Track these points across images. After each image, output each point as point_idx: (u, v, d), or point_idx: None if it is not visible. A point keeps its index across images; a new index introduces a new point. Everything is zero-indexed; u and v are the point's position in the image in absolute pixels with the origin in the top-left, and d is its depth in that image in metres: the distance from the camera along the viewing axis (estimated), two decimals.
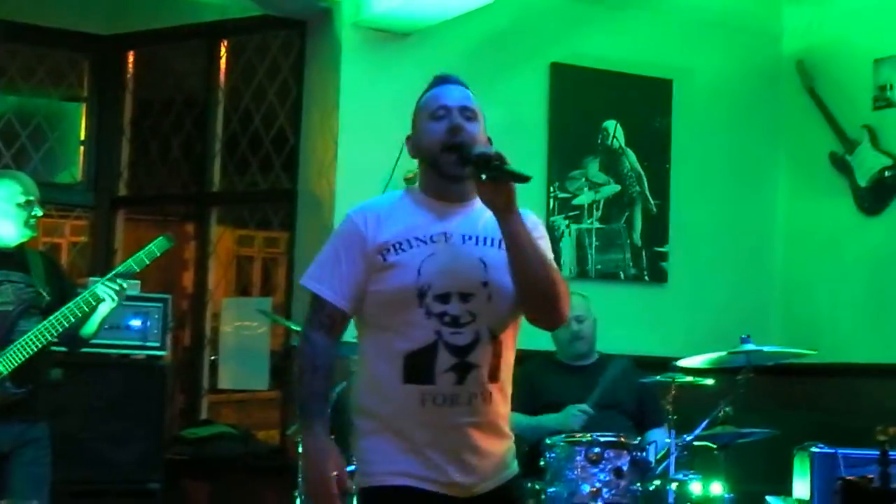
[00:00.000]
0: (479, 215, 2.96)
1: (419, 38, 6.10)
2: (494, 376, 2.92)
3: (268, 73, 6.59)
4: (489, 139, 3.02)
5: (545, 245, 2.96)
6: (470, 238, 2.94)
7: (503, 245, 2.89)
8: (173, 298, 6.21)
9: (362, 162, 5.87)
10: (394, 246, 2.92)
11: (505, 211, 2.83)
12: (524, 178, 2.80)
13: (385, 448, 2.91)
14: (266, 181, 6.69)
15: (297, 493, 5.14)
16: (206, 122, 6.73)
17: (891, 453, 3.06)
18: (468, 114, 2.97)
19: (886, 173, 6.32)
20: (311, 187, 6.24)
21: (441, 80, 3.06)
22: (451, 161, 2.92)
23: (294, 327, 5.34)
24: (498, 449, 2.97)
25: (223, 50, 6.76)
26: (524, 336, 5.71)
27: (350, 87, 6.07)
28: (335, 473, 2.85)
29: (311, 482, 2.89)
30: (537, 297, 2.87)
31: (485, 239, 2.94)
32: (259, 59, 6.63)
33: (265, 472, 6.16)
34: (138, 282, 5.57)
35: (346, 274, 2.94)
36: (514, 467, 3.03)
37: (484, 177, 2.81)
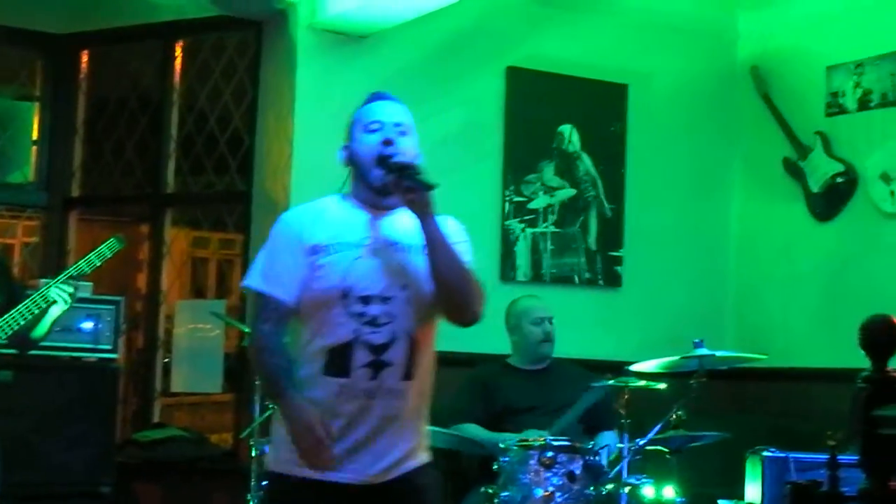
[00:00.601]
0: (404, 223, 3.19)
1: (375, 41, 6.09)
2: (409, 374, 3.14)
3: (223, 74, 6.56)
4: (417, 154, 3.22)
5: (464, 249, 3.21)
6: (393, 244, 3.17)
7: (422, 251, 3.14)
8: (127, 300, 6.17)
9: (317, 164, 5.82)
10: (324, 248, 3.13)
11: (422, 215, 3.09)
12: (430, 187, 3.07)
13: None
14: (221, 182, 6.66)
15: (249, 497, 5.11)
16: (160, 123, 6.68)
17: (840, 457, 3.07)
18: (401, 128, 3.19)
19: (838, 179, 6.37)
20: (266, 189, 6.21)
21: (376, 97, 3.28)
22: (380, 175, 3.15)
23: (247, 330, 5.31)
24: (408, 442, 3.18)
25: (178, 50, 6.71)
26: (476, 339, 5.73)
27: (306, 89, 6.05)
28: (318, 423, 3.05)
29: (297, 434, 3.05)
30: (451, 295, 3.13)
31: (407, 246, 3.17)
32: (215, 60, 6.60)
33: (218, 476, 6.12)
34: (90, 284, 5.53)
35: (288, 269, 3.13)
36: (423, 458, 3.24)
37: (405, 184, 3.08)
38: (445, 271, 3.11)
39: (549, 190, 6.48)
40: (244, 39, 6.49)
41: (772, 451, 5.38)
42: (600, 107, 6.62)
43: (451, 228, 3.21)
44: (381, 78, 6.08)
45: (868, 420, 2.27)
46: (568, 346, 5.72)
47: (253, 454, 5.13)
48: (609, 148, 6.64)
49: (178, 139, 6.68)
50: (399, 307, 3.12)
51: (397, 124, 3.20)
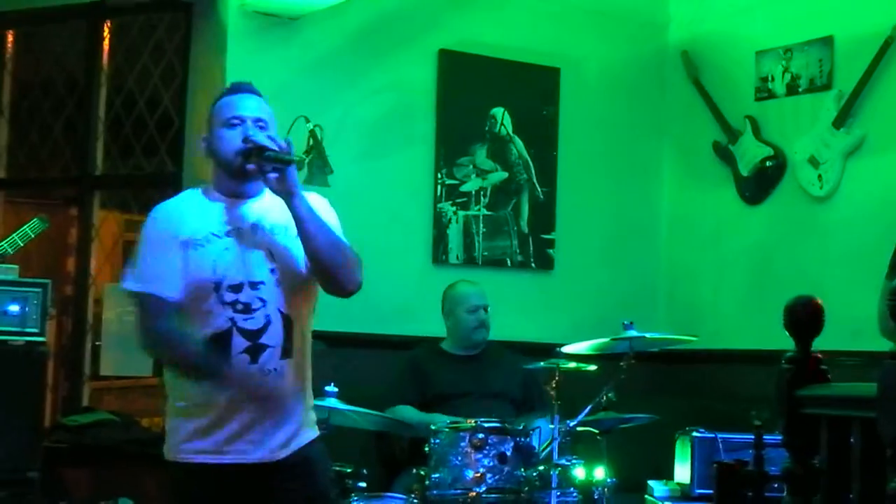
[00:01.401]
0: (267, 207, 3.29)
1: (306, 23, 6.05)
2: (287, 353, 3.25)
3: (152, 56, 6.48)
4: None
5: (334, 222, 3.31)
6: (258, 229, 3.27)
7: (288, 232, 3.25)
8: (55, 284, 6.09)
9: None
10: (193, 241, 3.23)
11: (287, 194, 3.18)
12: (288, 162, 3.15)
13: (187, 427, 3.26)
14: (151, 165, 6.60)
15: None
16: (88, 104, 6.59)
17: (766, 437, 3.11)
18: (260, 124, 3.27)
19: (767, 163, 6.42)
20: (196, 172, 6.15)
21: (235, 89, 3.36)
22: (241, 164, 3.22)
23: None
24: (295, 418, 3.30)
25: (106, 30, 6.62)
26: (410, 322, 5.72)
27: (236, 71, 5.97)
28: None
29: (183, 361, 3.23)
30: (329, 268, 3.22)
31: (272, 228, 3.27)
32: (143, 41, 6.51)
33: (148, 460, 6.04)
34: (16, 266, 5.46)
35: (167, 265, 3.22)
36: (312, 434, 3.37)
37: (266, 167, 3.17)
38: (319, 245, 3.19)
39: (482, 173, 6.48)
40: (174, 20, 6.42)
41: (701, 432, 5.45)
42: (532, 90, 6.62)
43: (318, 204, 3.29)
44: (311, 60, 6.06)
45: (791, 400, 2.30)
46: (500, 328, 5.73)
47: None
48: (541, 131, 6.65)
49: (106, 121, 6.59)
50: (269, 290, 3.22)
51: (257, 119, 3.27)
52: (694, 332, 5.59)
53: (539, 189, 6.61)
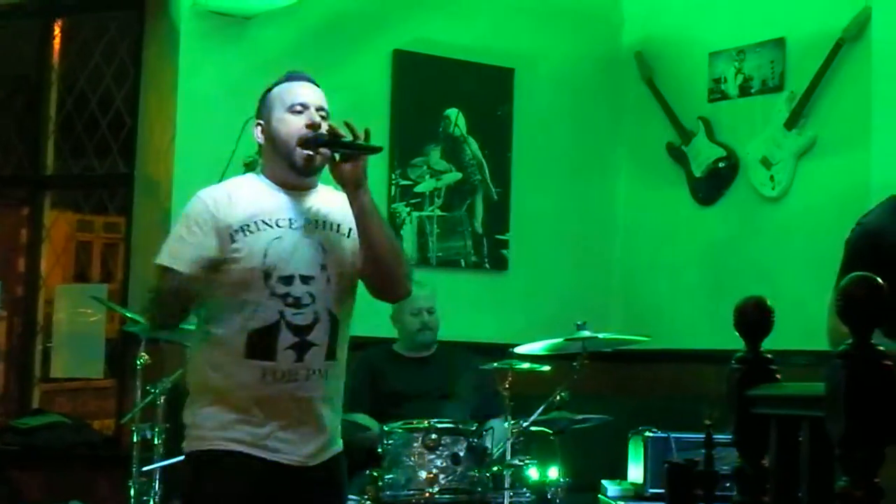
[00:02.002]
0: (321, 202, 3.19)
1: (260, 22, 6.03)
2: (332, 354, 3.14)
3: (104, 55, 6.44)
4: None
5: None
6: (311, 223, 3.14)
7: (341, 230, 3.16)
8: (6, 284, 6.04)
9: (201, 146, 5.76)
10: (242, 228, 3.09)
11: (356, 186, 3.08)
12: (375, 149, 3.08)
13: (220, 418, 3.10)
14: (102, 165, 6.55)
15: (131, 483, 5.03)
16: (39, 104, 6.54)
17: (717, 436, 3.12)
18: (323, 114, 3.17)
19: (720, 164, 6.45)
20: (148, 172, 6.13)
21: (298, 77, 3.25)
22: (305, 156, 3.12)
23: (129, 314, 5.23)
24: (330, 423, 3.18)
25: (57, 30, 6.57)
26: (364, 323, 5.72)
27: (189, 71, 5.96)
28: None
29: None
30: (385, 268, 3.14)
31: (325, 224, 3.15)
32: (95, 41, 6.47)
33: (99, 462, 6.03)
34: None
35: (197, 247, 3.08)
36: (339, 444, 3.24)
37: (337, 157, 3.08)
38: (381, 243, 3.12)
39: (436, 173, 6.47)
40: (126, 20, 6.37)
41: (654, 432, 5.46)
42: (487, 90, 6.63)
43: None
44: (265, 60, 6.01)
45: (741, 400, 2.30)
46: (454, 329, 5.73)
47: (135, 440, 5.05)
48: (495, 132, 6.65)
49: (57, 121, 6.54)
50: (320, 286, 3.10)
51: (320, 108, 3.19)
52: (648, 332, 5.60)
53: (493, 189, 6.61)
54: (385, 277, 3.18)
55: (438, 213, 6.46)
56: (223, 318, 3.11)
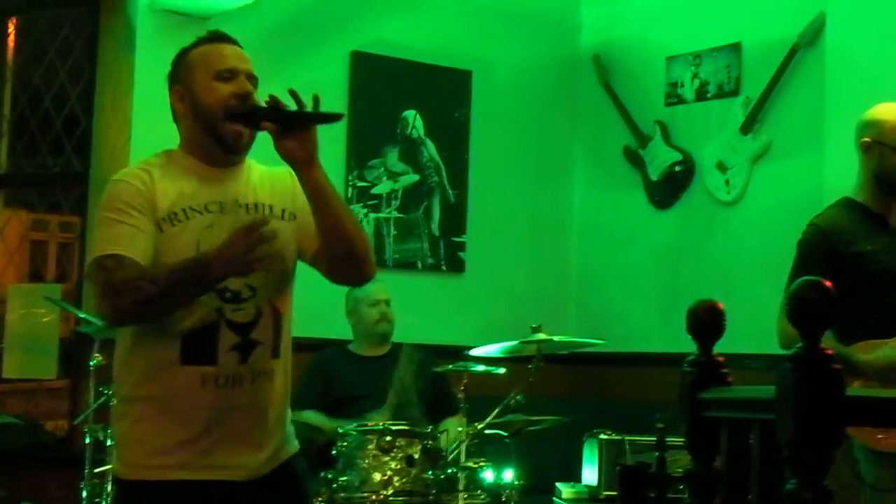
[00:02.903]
0: (250, 180, 2.85)
1: (217, 22, 5.96)
2: (276, 352, 2.81)
3: (59, 53, 6.39)
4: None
5: None
6: (242, 206, 2.80)
7: (274, 211, 2.81)
8: None
9: (157, 145, 5.65)
10: (169, 217, 2.73)
11: (306, 164, 2.71)
12: (333, 117, 2.72)
13: (153, 441, 2.73)
14: (57, 164, 6.50)
15: (83, 485, 5.01)
16: None
17: (669, 439, 3.14)
18: (254, 82, 2.80)
19: (676, 168, 6.48)
20: (103, 171, 6.08)
21: (221, 37, 2.86)
22: (234, 131, 2.76)
23: (83, 315, 5.20)
24: (280, 427, 2.86)
25: (11, 26, 6.52)
26: (317, 324, 5.67)
27: (145, 70, 5.92)
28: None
29: (233, 246, 2.65)
30: (346, 250, 2.78)
31: (256, 206, 2.81)
32: (50, 39, 6.42)
33: (52, 464, 5.98)
34: None
35: (139, 231, 2.69)
36: (294, 445, 2.94)
37: (282, 131, 2.68)
38: (340, 223, 2.75)
39: (393, 175, 6.47)
40: (81, 17, 6.33)
41: (608, 434, 5.49)
42: (444, 93, 6.63)
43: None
44: None
45: (693, 403, 2.31)
46: (410, 331, 5.72)
47: (87, 441, 5.02)
48: (453, 134, 6.65)
49: (11, 119, 6.49)
50: (259, 277, 2.74)
51: (250, 76, 2.80)
52: (604, 335, 5.62)
53: (450, 192, 6.61)
54: (348, 259, 2.80)
55: (395, 214, 6.46)
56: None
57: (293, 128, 2.69)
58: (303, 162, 2.71)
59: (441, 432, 4.75)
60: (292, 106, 2.72)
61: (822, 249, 3.93)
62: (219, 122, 2.76)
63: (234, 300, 2.73)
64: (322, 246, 2.80)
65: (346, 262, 2.82)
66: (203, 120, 2.78)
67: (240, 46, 2.86)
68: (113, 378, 2.93)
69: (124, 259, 2.66)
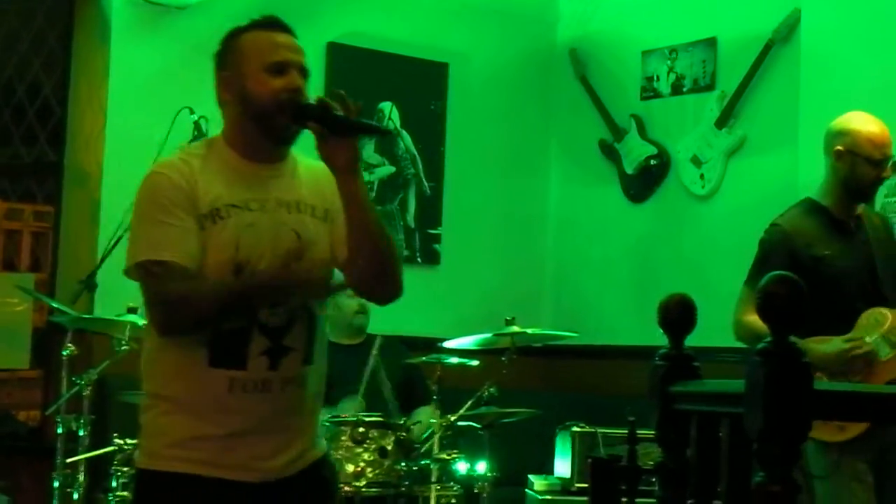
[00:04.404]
0: (294, 179, 2.73)
1: (193, 12, 5.98)
2: (309, 359, 2.71)
3: (33, 43, 6.36)
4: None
5: None
6: (285, 205, 2.69)
7: (316, 212, 2.71)
8: None
9: (132, 135, 5.73)
10: (211, 213, 2.62)
11: (345, 170, 2.61)
12: (384, 131, 2.83)
13: (176, 433, 2.67)
14: (30, 154, 6.47)
15: (55, 475, 4.99)
16: None
17: (641, 432, 3.14)
18: (305, 74, 2.69)
19: (651, 162, 6.50)
20: (78, 161, 6.06)
21: (275, 24, 2.74)
22: (283, 124, 2.65)
23: (56, 305, 5.18)
24: (308, 432, 2.77)
25: None
26: None
27: (120, 59, 5.91)
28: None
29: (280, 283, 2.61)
30: (376, 264, 2.68)
31: (299, 205, 2.70)
32: (24, 28, 6.39)
33: (24, 454, 5.96)
34: None
35: (183, 232, 2.59)
36: (323, 446, 2.86)
37: (327, 130, 2.59)
38: (374, 236, 2.64)
39: (369, 167, 6.46)
40: (55, 7, 6.30)
41: (581, 427, 5.50)
42: (420, 85, 6.63)
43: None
44: (198, 50, 5.94)
45: (664, 396, 2.32)
46: (384, 323, 5.70)
47: (60, 431, 5.01)
48: (429, 126, 6.65)
49: None
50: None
51: (302, 69, 2.69)
52: (578, 328, 5.64)
53: (426, 184, 6.62)
54: (377, 275, 2.69)
55: None
56: None
57: (338, 132, 2.60)
58: (342, 168, 2.62)
59: (414, 424, 4.75)
60: (338, 108, 2.65)
61: (782, 250, 4.09)
62: (267, 115, 2.65)
63: (270, 303, 2.65)
64: (352, 257, 2.68)
65: (375, 278, 2.72)
66: (251, 111, 2.67)
67: (293, 35, 2.74)
68: (141, 374, 2.81)
69: (174, 267, 2.59)
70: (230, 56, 2.72)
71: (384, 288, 2.76)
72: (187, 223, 2.60)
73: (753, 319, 3.70)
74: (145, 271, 2.62)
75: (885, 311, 4.06)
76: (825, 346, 3.94)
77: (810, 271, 3.90)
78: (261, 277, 2.62)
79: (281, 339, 2.65)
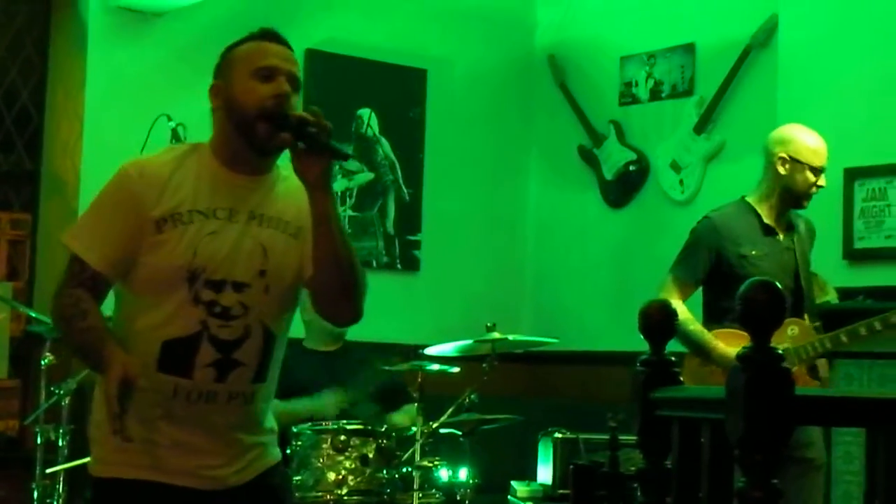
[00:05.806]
0: (272, 193, 2.69)
1: (170, 19, 5.97)
2: (261, 376, 2.66)
3: (10, 49, 6.33)
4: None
5: None
6: (255, 217, 2.65)
7: (288, 228, 2.68)
8: None
9: (109, 143, 5.70)
10: (172, 217, 2.59)
11: (317, 187, 2.57)
12: (343, 156, 2.61)
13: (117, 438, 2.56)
14: (7, 161, 6.44)
15: (34, 485, 4.96)
16: None
17: (622, 438, 3.15)
18: (295, 84, 2.64)
19: (630, 167, 6.51)
20: (55, 168, 6.04)
21: (269, 35, 2.69)
22: (266, 132, 2.59)
23: (34, 314, 5.15)
24: (253, 445, 2.73)
25: None
26: None
27: (98, 67, 5.89)
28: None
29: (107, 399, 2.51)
30: (338, 286, 2.64)
31: (270, 220, 2.66)
32: (1, 34, 6.35)
33: (2, 464, 5.91)
34: None
35: (114, 236, 2.60)
36: (275, 455, 2.81)
37: (301, 145, 2.55)
38: (340, 257, 2.60)
39: (348, 174, 6.45)
40: (32, 14, 6.27)
41: (563, 433, 5.49)
42: (399, 91, 6.63)
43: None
44: (175, 57, 5.97)
45: (645, 402, 2.32)
46: (365, 329, 5.63)
47: (38, 441, 4.98)
48: (408, 133, 6.65)
49: None
50: (256, 296, 2.61)
51: (292, 78, 2.64)
52: (558, 334, 5.63)
53: (405, 190, 6.61)
54: (338, 297, 2.66)
55: (350, 213, 6.44)
56: (137, 320, 2.63)
57: (310, 149, 2.56)
58: (313, 185, 2.57)
59: (396, 431, 4.74)
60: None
61: (709, 243, 4.39)
62: (249, 122, 2.61)
63: (223, 316, 2.60)
64: (316, 275, 2.64)
65: (334, 299, 2.68)
66: (235, 118, 2.64)
67: (289, 48, 2.70)
68: (91, 372, 2.83)
69: (87, 272, 2.61)
70: (223, 65, 2.71)
71: (340, 309, 2.73)
72: (126, 228, 2.60)
73: (676, 304, 3.88)
74: (70, 257, 2.66)
75: (798, 323, 4.26)
76: (732, 348, 4.04)
77: (734, 267, 4.23)
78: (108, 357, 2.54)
79: (230, 353, 2.61)
